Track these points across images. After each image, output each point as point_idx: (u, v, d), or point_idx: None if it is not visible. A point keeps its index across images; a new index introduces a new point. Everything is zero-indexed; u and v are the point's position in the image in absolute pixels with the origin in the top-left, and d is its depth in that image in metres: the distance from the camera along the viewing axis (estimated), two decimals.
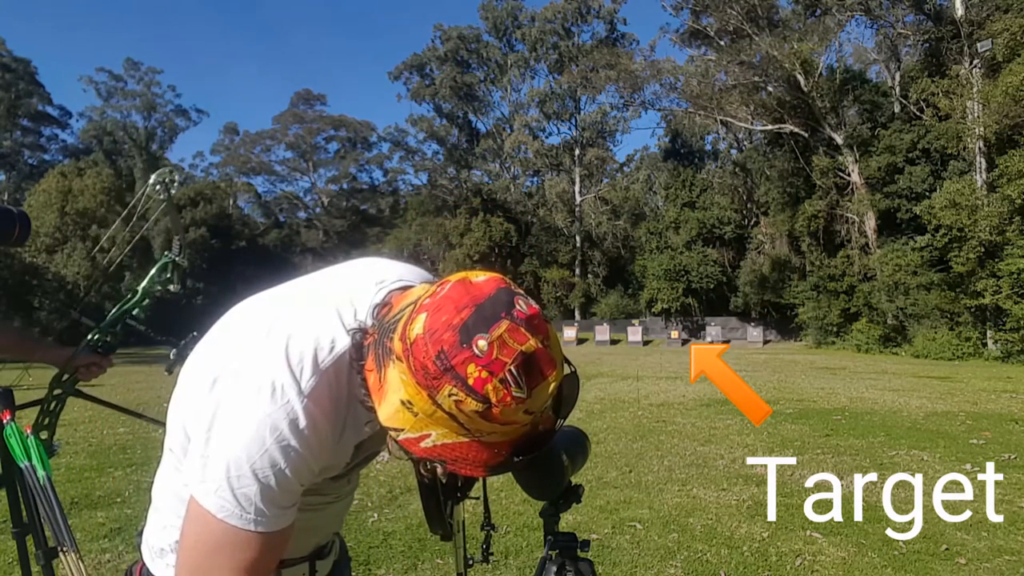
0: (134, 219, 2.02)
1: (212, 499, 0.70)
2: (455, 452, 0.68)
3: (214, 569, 0.71)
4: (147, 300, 1.88)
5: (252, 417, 0.71)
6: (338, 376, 0.76)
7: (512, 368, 0.62)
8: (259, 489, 0.70)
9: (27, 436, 1.56)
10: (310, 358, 0.74)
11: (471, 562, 1.35)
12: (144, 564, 0.90)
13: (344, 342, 0.76)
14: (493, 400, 0.62)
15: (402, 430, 0.68)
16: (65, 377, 1.81)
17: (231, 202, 45.37)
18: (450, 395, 0.63)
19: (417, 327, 0.65)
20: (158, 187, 1.93)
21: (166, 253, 1.91)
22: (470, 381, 0.62)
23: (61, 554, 1.41)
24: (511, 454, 0.69)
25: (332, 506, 1.01)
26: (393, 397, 0.68)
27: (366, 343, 0.74)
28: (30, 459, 1.52)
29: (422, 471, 0.95)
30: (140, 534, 0.95)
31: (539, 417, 0.69)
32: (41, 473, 1.51)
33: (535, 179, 42.23)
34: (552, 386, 0.66)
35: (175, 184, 1.97)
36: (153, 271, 1.89)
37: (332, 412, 0.76)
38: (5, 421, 1.58)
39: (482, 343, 0.62)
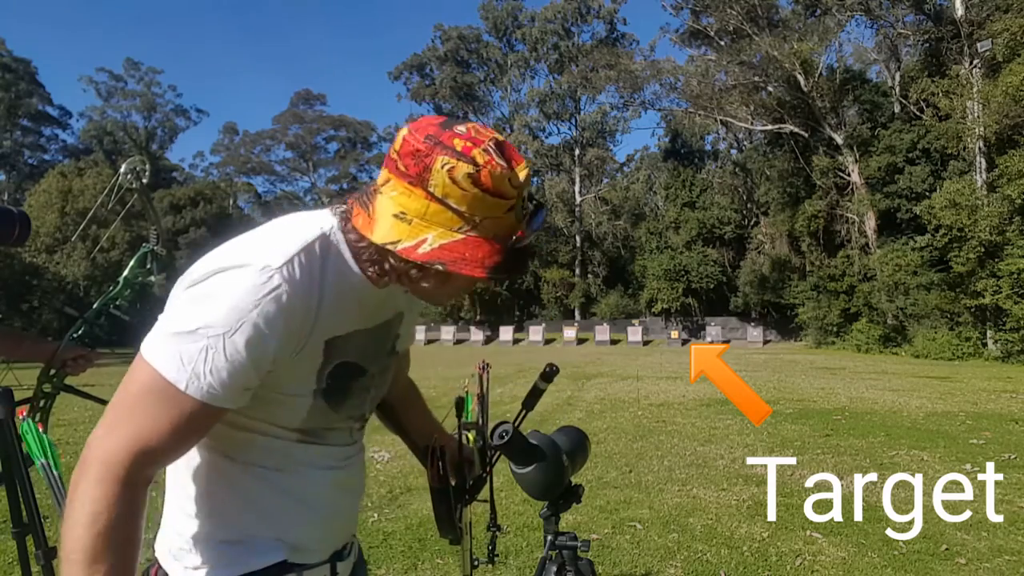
0: (106, 206, 2.02)
1: (161, 356, 0.72)
2: (453, 252, 0.72)
3: (138, 409, 0.72)
4: (129, 291, 1.88)
5: (227, 290, 0.73)
6: (321, 256, 0.79)
7: (490, 145, 0.72)
8: (211, 356, 0.72)
9: (43, 434, 1.56)
10: (292, 238, 0.78)
11: (476, 563, 1.35)
12: (160, 566, 0.87)
13: (329, 222, 0.81)
14: (480, 162, 0.70)
15: (398, 241, 0.73)
16: (53, 372, 1.81)
17: (231, 202, 45.39)
18: (443, 166, 0.70)
19: (399, 138, 0.73)
20: (129, 176, 1.93)
21: (144, 244, 1.92)
22: (458, 148, 0.70)
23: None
24: (506, 258, 0.74)
25: (337, 476, 0.92)
26: (385, 217, 0.74)
27: (349, 203, 0.80)
28: (46, 456, 1.53)
29: (435, 474, 0.94)
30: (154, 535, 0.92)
31: (520, 209, 0.77)
32: (55, 472, 1.51)
33: (535, 179, 42.19)
34: (526, 172, 0.74)
35: (146, 173, 1.97)
36: (133, 261, 1.89)
37: (306, 293, 0.77)
38: (22, 419, 1.58)
39: (460, 128, 0.73)
